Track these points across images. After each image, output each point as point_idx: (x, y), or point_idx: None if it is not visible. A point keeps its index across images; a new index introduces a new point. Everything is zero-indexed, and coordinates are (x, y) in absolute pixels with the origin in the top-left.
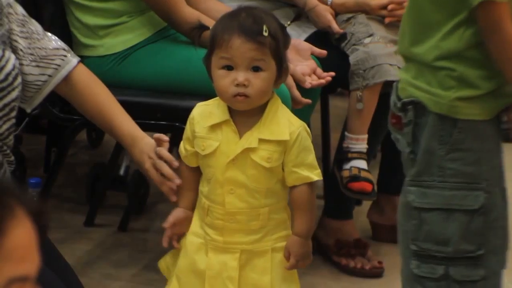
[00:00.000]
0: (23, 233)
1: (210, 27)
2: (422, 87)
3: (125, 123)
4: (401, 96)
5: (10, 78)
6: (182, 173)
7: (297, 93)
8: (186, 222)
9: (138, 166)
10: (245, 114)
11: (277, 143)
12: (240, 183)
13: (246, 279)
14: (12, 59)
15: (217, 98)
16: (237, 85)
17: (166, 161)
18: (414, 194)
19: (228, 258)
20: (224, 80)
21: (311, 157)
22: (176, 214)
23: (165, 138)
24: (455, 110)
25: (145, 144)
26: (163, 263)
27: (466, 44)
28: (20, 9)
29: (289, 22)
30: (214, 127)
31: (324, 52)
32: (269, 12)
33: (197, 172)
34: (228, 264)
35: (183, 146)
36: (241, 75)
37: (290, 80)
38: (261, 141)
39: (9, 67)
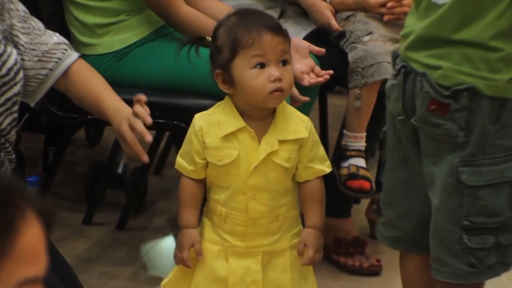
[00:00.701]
0: (33, 234)
1: (207, 36)
2: (471, 73)
3: (111, 99)
4: (444, 83)
5: (12, 73)
6: (186, 191)
7: (295, 91)
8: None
9: (116, 133)
10: (257, 118)
11: (293, 141)
12: (262, 187)
13: (268, 280)
14: (14, 54)
15: (218, 105)
16: (274, 80)
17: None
18: (467, 174)
19: (250, 262)
20: (259, 78)
21: (322, 150)
22: (196, 238)
23: (143, 97)
24: (507, 91)
25: (127, 112)
26: (169, 285)
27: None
28: (21, 6)
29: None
30: (228, 136)
31: (322, 50)
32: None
33: (201, 186)
34: (251, 268)
35: (187, 161)
36: (275, 70)
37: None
38: (280, 142)
39: (11, 61)
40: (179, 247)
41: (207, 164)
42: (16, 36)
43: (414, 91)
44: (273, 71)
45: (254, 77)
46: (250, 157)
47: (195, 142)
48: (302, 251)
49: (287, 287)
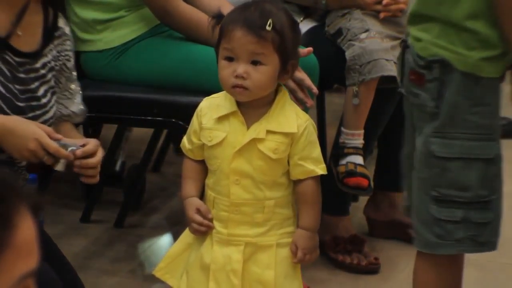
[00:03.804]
0: (28, 228)
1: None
2: (446, 47)
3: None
4: (421, 54)
5: (46, 125)
6: (185, 166)
7: (301, 96)
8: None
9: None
10: (252, 106)
11: (284, 135)
12: (246, 173)
13: (249, 273)
14: (54, 107)
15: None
16: (236, 76)
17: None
18: (436, 144)
19: (232, 251)
20: (225, 70)
21: (317, 151)
22: (198, 202)
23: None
24: (479, 69)
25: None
26: (160, 272)
27: (488, 3)
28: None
29: (301, 19)
30: (221, 119)
31: (310, 49)
32: (282, 6)
33: (203, 165)
34: (232, 257)
35: (187, 140)
36: (240, 67)
37: (291, 83)
38: (269, 132)
39: (50, 114)
40: (188, 221)
41: (202, 146)
42: (61, 73)
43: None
44: (239, 67)
45: (223, 68)
46: (236, 140)
47: (194, 122)
48: (294, 251)
49: (269, 285)
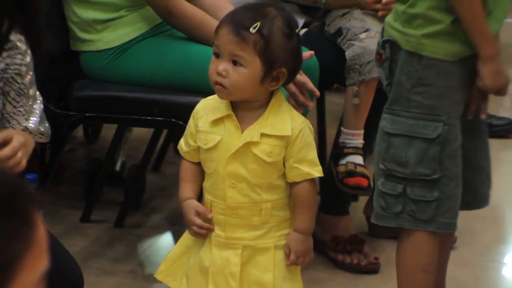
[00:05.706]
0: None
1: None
2: (397, 28)
3: None
4: (382, 36)
5: None
6: (183, 168)
7: (301, 99)
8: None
9: None
10: (247, 109)
11: (279, 138)
12: (241, 177)
13: (248, 276)
14: None
15: None
16: (218, 73)
17: None
18: (386, 120)
19: (230, 254)
20: (211, 66)
21: (313, 154)
22: (196, 204)
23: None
24: (421, 48)
25: None
26: (161, 275)
27: None
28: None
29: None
30: (217, 122)
31: (311, 53)
32: (287, 14)
33: (200, 167)
34: (230, 260)
35: (184, 142)
36: (222, 65)
37: (292, 87)
38: (263, 135)
39: None
40: (187, 224)
41: (199, 148)
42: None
43: None
44: (220, 64)
45: (210, 63)
46: (231, 144)
47: (191, 124)
48: (287, 254)
49: (268, 287)
